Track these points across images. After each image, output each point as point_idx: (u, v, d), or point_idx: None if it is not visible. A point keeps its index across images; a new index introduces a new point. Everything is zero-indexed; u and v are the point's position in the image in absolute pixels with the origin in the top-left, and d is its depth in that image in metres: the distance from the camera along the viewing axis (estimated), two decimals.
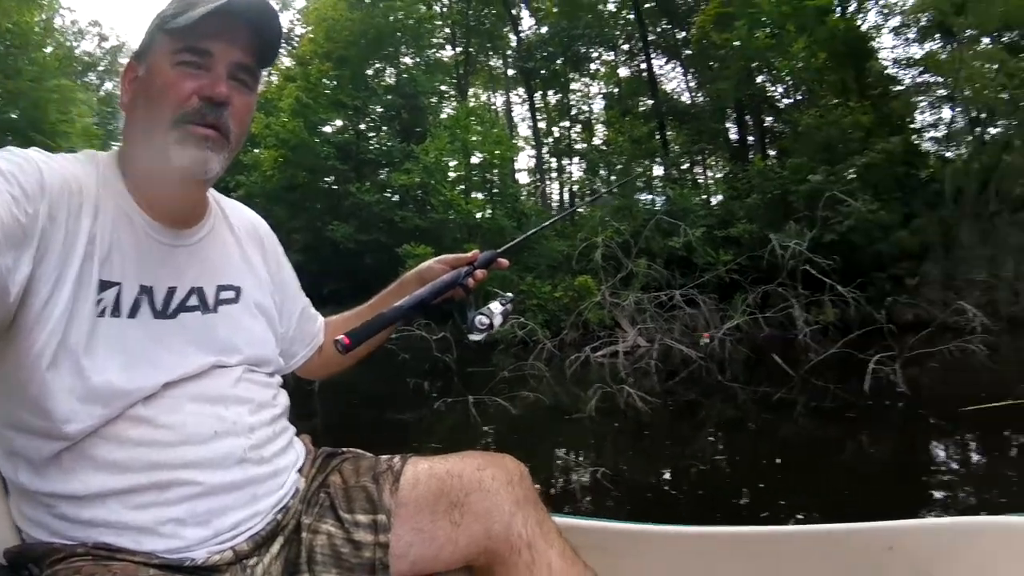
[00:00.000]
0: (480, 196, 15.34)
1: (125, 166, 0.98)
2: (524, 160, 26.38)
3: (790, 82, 15.33)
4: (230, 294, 1.05)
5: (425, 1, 18.78)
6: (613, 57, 23.49)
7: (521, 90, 24.76)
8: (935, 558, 1.30)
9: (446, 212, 13.31)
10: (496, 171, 15.77)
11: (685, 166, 20.55)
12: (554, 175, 25.23)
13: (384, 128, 15.82)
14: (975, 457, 4.56)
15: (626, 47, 22.74)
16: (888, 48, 17.08)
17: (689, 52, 18.54)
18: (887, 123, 13.11)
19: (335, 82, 14.81)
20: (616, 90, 23.54)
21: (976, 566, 1.27)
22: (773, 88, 16.56)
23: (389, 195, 14.34)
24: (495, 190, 15.57)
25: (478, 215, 14.34)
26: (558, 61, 22.17)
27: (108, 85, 29.44)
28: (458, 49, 20.54)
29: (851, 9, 15.80)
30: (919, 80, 14.74)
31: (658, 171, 18.66)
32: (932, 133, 14.88)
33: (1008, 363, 7.61)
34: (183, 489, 0.92)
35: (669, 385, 6.92)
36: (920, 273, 11.12)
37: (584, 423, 5.50)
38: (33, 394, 0.86)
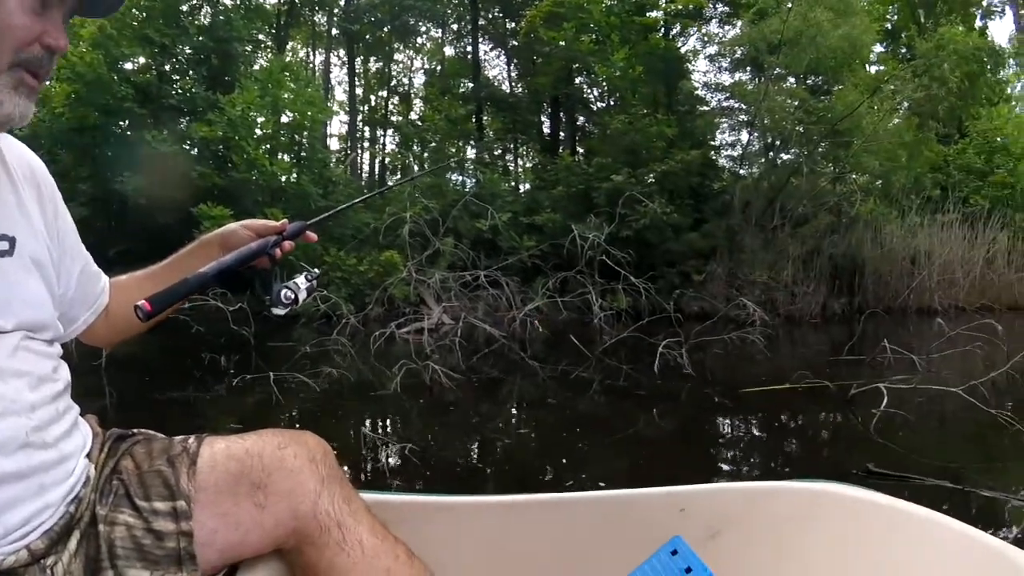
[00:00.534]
0: (287, 158, 14.58)
1: None
2: (336, 126, 25.53)
3: (606, 87, 16.18)
4: (3, 245, 0.88)
5: None
6: (440, 35, 23.41)
7: (342, 52, 23.90)
8: (725, 519, 1.42)
9: (249, 172, 12.48)
10: (306, 134, 15.07)
11: (498, 152, 20.99)
12: (366, 145, 24.69)
13: (191, 73, 14.48)
14: (756, 432, 5.07)
15: (455, 27, 22.74)
16: (701, 72, 18.71)
17: (516, 43, 18.91)
18: (689, 137, 14.32)
19: (144, 13, 13.20)
20: (439, 68, 23.49)
21: (763, 526, 1.41)
22: (589, 91, 17.40)
23: (188, 148, 13.17)
24: (303, 154, 14.88)
25: (283, 178, 13.61)
26: (385, 28, 21.65)
27: None
28: None
29: (675, 31, 17.04)
30: (724, 104, 16.28)
31: (471, 154, 18.93)
32: (729, 152, 16.50)
33: (784, 354, 8.62)
34: None
35: (473, 362, 7.04)
36: (707, 271, 12.28)
37: (390, 400, 5.45)
38: None
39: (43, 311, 0.94)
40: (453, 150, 17.75)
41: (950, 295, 12.55)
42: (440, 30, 23.16)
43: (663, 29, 16.72)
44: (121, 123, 12.95)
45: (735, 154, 16.11)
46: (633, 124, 13.42)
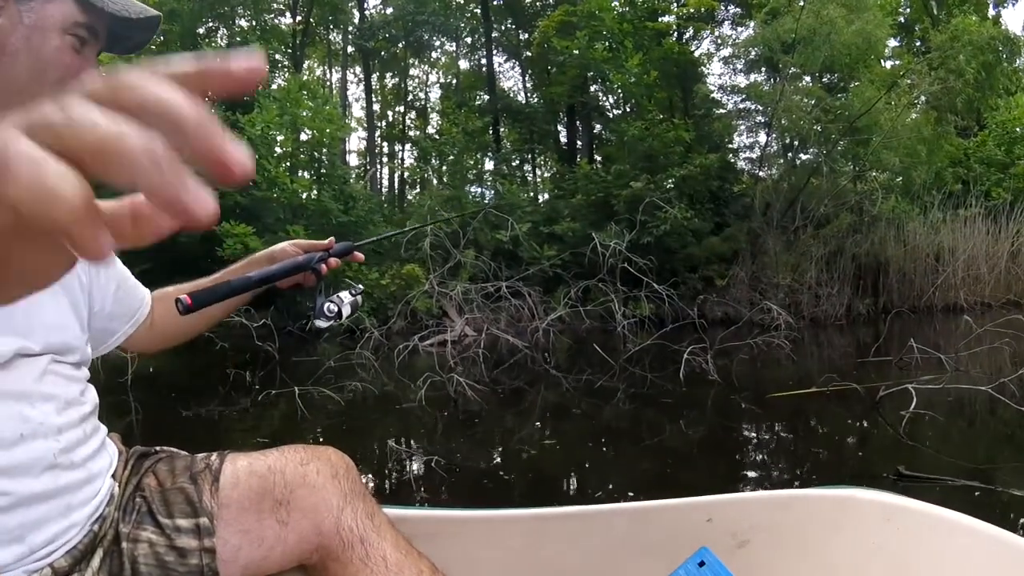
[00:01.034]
0: (307, 176, 14.72)
1: None
2: (355, 142, 25.77)
3: (621, 94, 16.18)
4: None
5: None
6: (455, 48, 23.54)
7: (358, 69, 24.13)
8: (752, 528, 1.41)
9: (270, 190, 12.60)
10: (325, 151, 15.21)
11: (515, 163, 21.03)
12: (385, 160, 24.86)
13: (209, 94, 14.70)
14: (784, 437, 5.02)
15: (469, 40, 22.87)
16: (716, 75, 18.68)
17: (529, 54, 19.00)
18: (707, 141, 14.27)
19: (162, 37, 13.49)
20: (454, 81, 23.61)
21: (791, 534, 1.40)
22: (605, 98, 17.42)
23: None
24: (323, 170, 15.00)
25: (303, 195, 13.73)
26: (400, 44, 21.83)
27: None
28: (298, 18, 19.59)
29: (687, 35, 17.01)
30: (741, 106, 16.18)
31: (489, 165, 18.99)
32: (748, 154, 16.42)
33: (810, 357, 8.53)
34: None
35: (497, 374, 7.05)
36: (729, 275, 12.18)
37: (415, 412, 5.47)
38: None
39: (67, 334, 0.95)
40: (471, 162, 17.79)
41: (976, 291, 12.34)
42: (454, 44, 23.30)
43: (676, 33, 16.72)
44: None
45: (754, 156, 16.02)
46: (650, 130, 13.38)
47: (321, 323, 1.17)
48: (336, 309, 1.18)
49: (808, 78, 14.12)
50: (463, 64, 23.94)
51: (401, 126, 24.83)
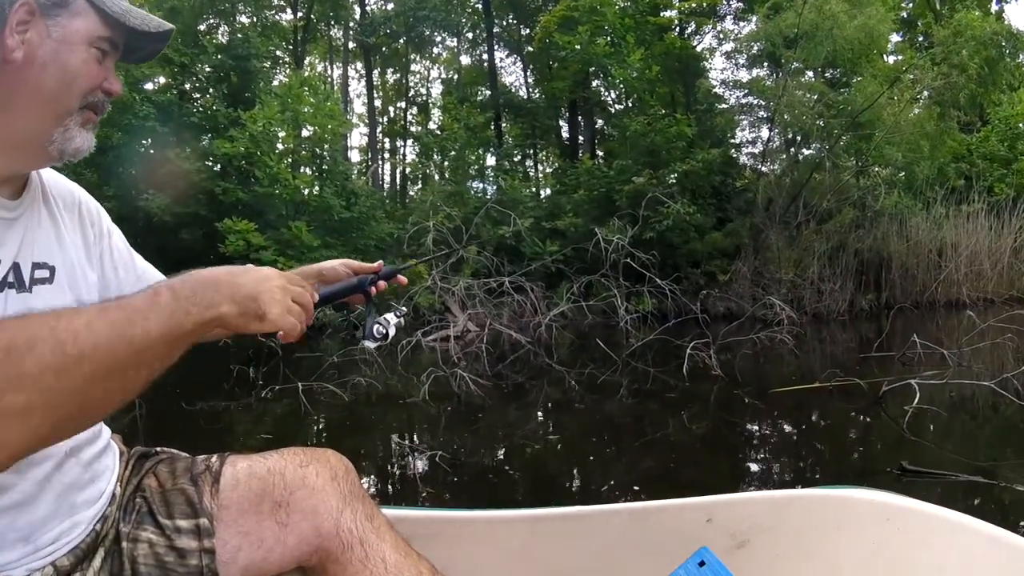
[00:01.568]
0: (309, 172, 14.71)
1: None
2: (357, 138, 25.77)
3: (623, 89, 16.16)
4: (44, 273, 0.93)
5: None
6: (456, 44, 23.51)
7: (359, 65, 24.12)
8: (752, 529, 1.41)
9: (272, 186, 12.60)
10: (327, 147, 15.21)
11: (517, 158, 21.02)
12: (387, 155, 24.86)
13: (211, 90, 14.67)
14: (787, 432, 5.04)
15: (470, 35, 22.84)
16: (718, 69, 18.63)
17: (531, 49, 18.97)
18: (709, 136, 14.26)
19: None
20: (456, 77, 23.59)
21: (791, 534, 1.41)
22: (606, 93, 17.39)
23: (211, 164, 13.34)
24: (325, 166, 15.00)
25: (305, 191, 13.74)
26: (401, 40, 21.80)
27: None
28: (299, 14, 19.57)
29: (689, 30, 16.97)
30: (743, 101, 16.16)
31: (491, 161, 18.97)
32: (750, 149, 16.40)
33: (812, 352, 8.52)
34: None
35: (499, 369, 7.06)
36: (732, 270, 12.17)
37: (418, 407, 5.49)
38: None
39: None
40: (473, 158, 17.78)
41: (978, 287, 12.32)
42: (455, 39, 23.28)
43: (678, 28, 16.69)
44: (144, 142, 13.15)
45: (756, 151, 16.00)
46: (652, 125, 13.37)
47: (370, 344, 1.20)
48: (384, 331, 1.21)
49: (811, 73, 14.09)
50: (464, 59, 23.97)
51: (402, 122, 24.83)
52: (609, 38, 14.90)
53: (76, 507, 0.92)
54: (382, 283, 1.31)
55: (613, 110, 17.46)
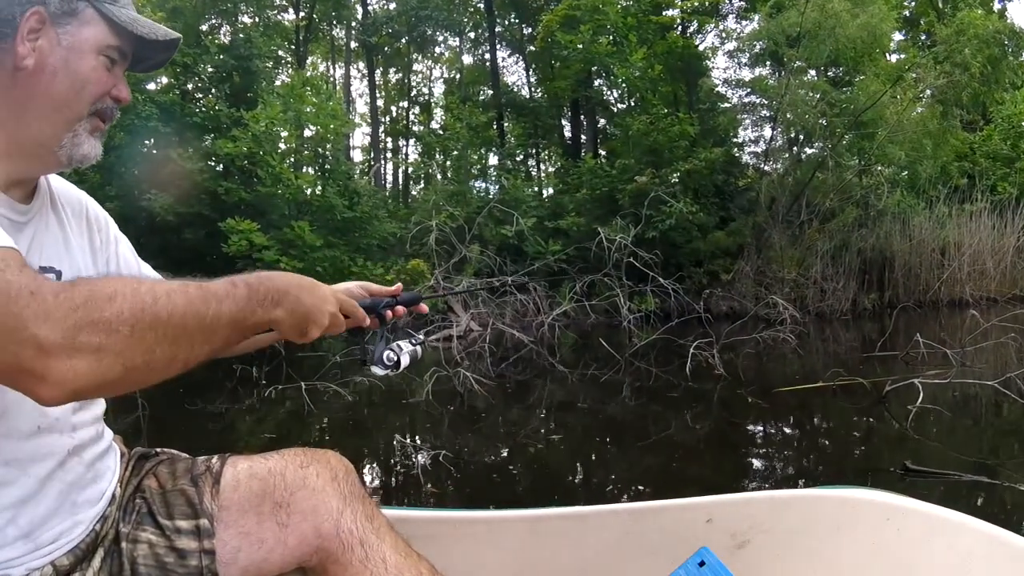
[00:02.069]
0: (311, 171, 14.72)
1: None
2: (359, 138, 25.78)
3: (625, 88, 16.11)
4: (50, 277, 0.94)
5: None
6: (458, 43, 23.51)
7: (362, 65, 24.13)
8: (752, 529, 1.41)
9: (275, 186, 12.60)
10: (329, 146, 15.21)
11: (520, 158, 21.01)
12: (389, 155, 24.87)
13: (213, 90, 14.67)
14: (791, 432, 5.04)
15: (472, 35, 22.84)
16: (721, 68, 18.59)
17: (533, 48, 18.96)
18: (712, 135, 14.23)
19: None
20: (458, 76, 23.59)
21: (791, 535, 1.41)
22: (609, 92, 17.35)
23: (213, 164, 13.35)
24: (327, 166, 15.01)
25: (308, 191, 13.74)
26: (403, 39, 21.81)
27: None
28: (301, 14, 19.58)
29: (692, 29, 16.95)
30: (746, 100, 16.13)
31: (493, 160, 18.98)
32: (752, 148, 16.37)
33: (816, 351, 8.54)
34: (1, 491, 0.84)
35: (502, 368, 7.06)
36: (735, 270, 12.15)
37: (421, 407, 5.50)
38: None
39: None
40: (475, 157, 17.78)
41: (981, 286, 12.31)
42: (457, 39, 23.28)
43: (680, 27, 16.66)
44: (147, 142, 13.16)
45: (759, 150, 15.97)
46: (654, 124, 13.35)
47: (377, 370, 1.13)
48: (395, 358, 1.13)
49: (813, 72, 14.07)
50: (467, 59, 23.95)
51: (405, 121, 24.86)
52: (611, 37, 14.88)
53: (77, 506, 0.93)
54: (400, 308, 1.22)
55: (615, 109, 17.43)
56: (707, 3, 15.87)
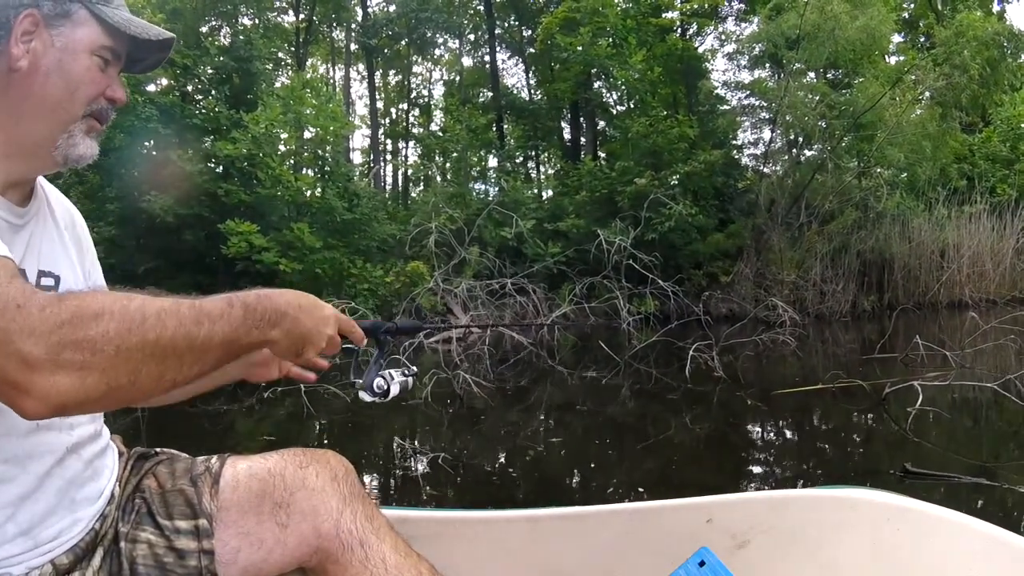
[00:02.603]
0: (311, 173, 14.73)
1: None
2: (359, 139, 25.79)
3: (625, 91, 16.13)
4: (49, 281, 0.95)
5: None
6: (458, 46, 23.54)
7: (361, 67, 24.15)
8: (753, 529, 1.41)
9: (274, 188, 12.61)
10: (329, 148, 15.21)
11: (519, 160, 21.03)
12: (389, 157, 24.88)
13: (213, 92, 14.68)
14: (790, 434, 5.04)
15: (472, 37, 22.86)
16: (720, 71, 18.59)
17: (532, 51, 18.98)
18: (711, 137, 14.26)
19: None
20: (457, 78, 23.61)
21: (791, 535, 1.41)
22: (608, 95, 17.37)
23: (213, 166, 13.34)
24: (327, 168, 15.02)
25: (308, 193, 13.75)
26: (403, 42, 21.82)
27: None
28: (301, 16, 19.60)
29: (691, 31, 16.96)
30: (745, 102, 16.12)
31: (493, 162, 18.99)
32: (752, 150, 16.37)
33: (815, 353, 8.54)
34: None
35: (501, 370, 7.06)
36: (734, 272, 12.16)
37: (420, 409, 5.49)
38: None
39: None
40: (475, 159, 17.78)
41: (981, 288, 12.32)
42: (457, 41, 23.30)
43: (680, 29, 16.69)
44: (147, 144, 13.15)
45: (758, 152, 15.98)
46: (654, 126, 13.38)
47: (366, 396, 1.12)
48: (385, 387, 1.11)
49: (812, 74, 14.09)
50: (466, 61, 23.98)
51: (404, 123, 24.87)
52: (611, 39, 14.92)
53: (76, 504, 0.93)
54: (402, 337, 1.19)
55: (615, 111, 17.45)
56: (706, 5, 15.89)
